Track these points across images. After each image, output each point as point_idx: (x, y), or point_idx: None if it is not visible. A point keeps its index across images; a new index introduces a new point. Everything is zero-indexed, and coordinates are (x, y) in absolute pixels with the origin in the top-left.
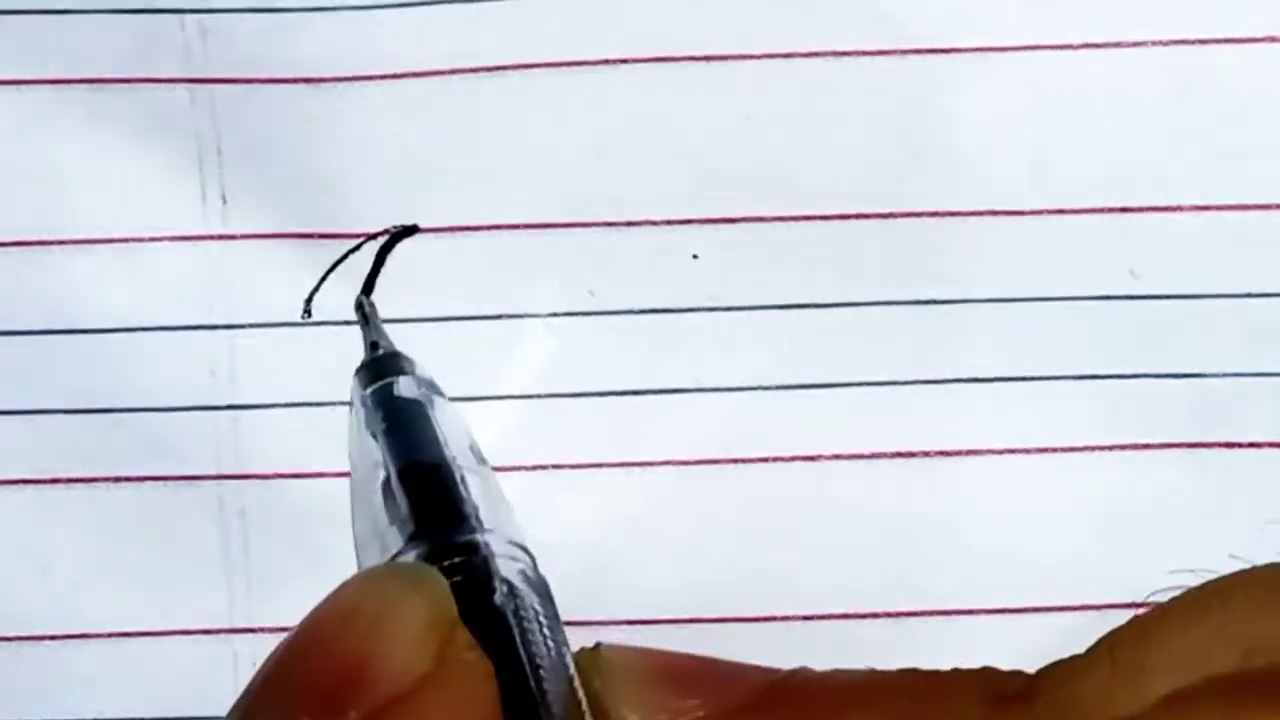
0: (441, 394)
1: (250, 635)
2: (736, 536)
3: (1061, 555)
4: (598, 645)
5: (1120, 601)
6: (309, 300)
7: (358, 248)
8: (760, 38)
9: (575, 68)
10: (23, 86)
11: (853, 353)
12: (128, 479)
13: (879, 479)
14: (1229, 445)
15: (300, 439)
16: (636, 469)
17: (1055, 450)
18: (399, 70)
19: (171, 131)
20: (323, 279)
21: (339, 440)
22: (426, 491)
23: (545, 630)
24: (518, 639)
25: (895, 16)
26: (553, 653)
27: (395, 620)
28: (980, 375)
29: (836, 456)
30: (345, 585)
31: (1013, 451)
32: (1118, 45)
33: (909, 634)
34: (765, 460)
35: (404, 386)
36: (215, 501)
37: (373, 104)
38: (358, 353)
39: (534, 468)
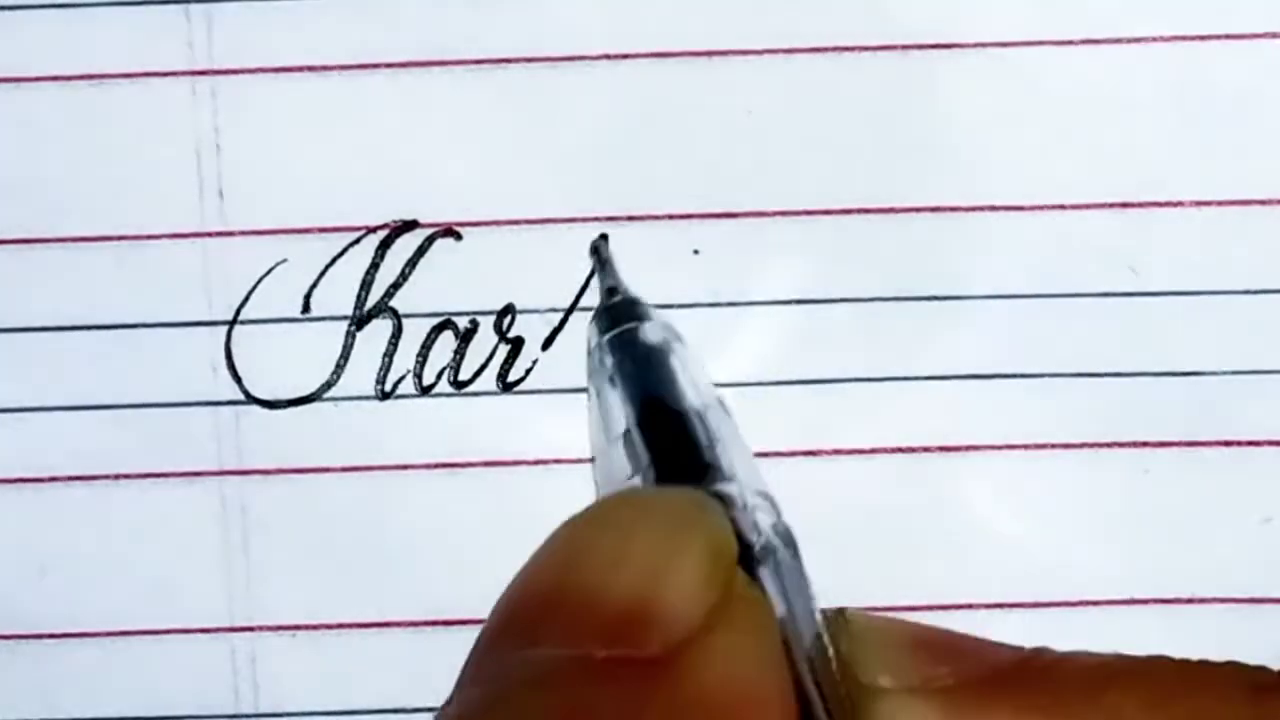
0: (683, 341)
1: (249, 634)
2: None
3: (1061, 552)
4: (843, 609)
5: (1120, 598)
6: (308, 295)
7: (356, 242)
8: (761, 34)
9: (577, 63)
10: (22, 84)
11: (852, 348)
12: (128, 477)
13: (879, 475)
14: (1228, 443)
15: (301, 436)
16: None
17: (1055, 447)
18: (402, 60)
19: (170, 128)
20: (321, 274)
21: (339, 436)
22: (671, 439)
23: (798, 585)
24: (776, 591)
25: (896, 12)
26: (803, 608)
27: (680, 553)
28: (980, 371)
29: (836, 452)
30: (609, 504)
31: (1013, 448)
32: (1118, 41)
33: None
34: (765, 455)
35: (648, 332)
36: (216, 499)
37: (374, 96)
38: (358, 350)
39: (535, 463)
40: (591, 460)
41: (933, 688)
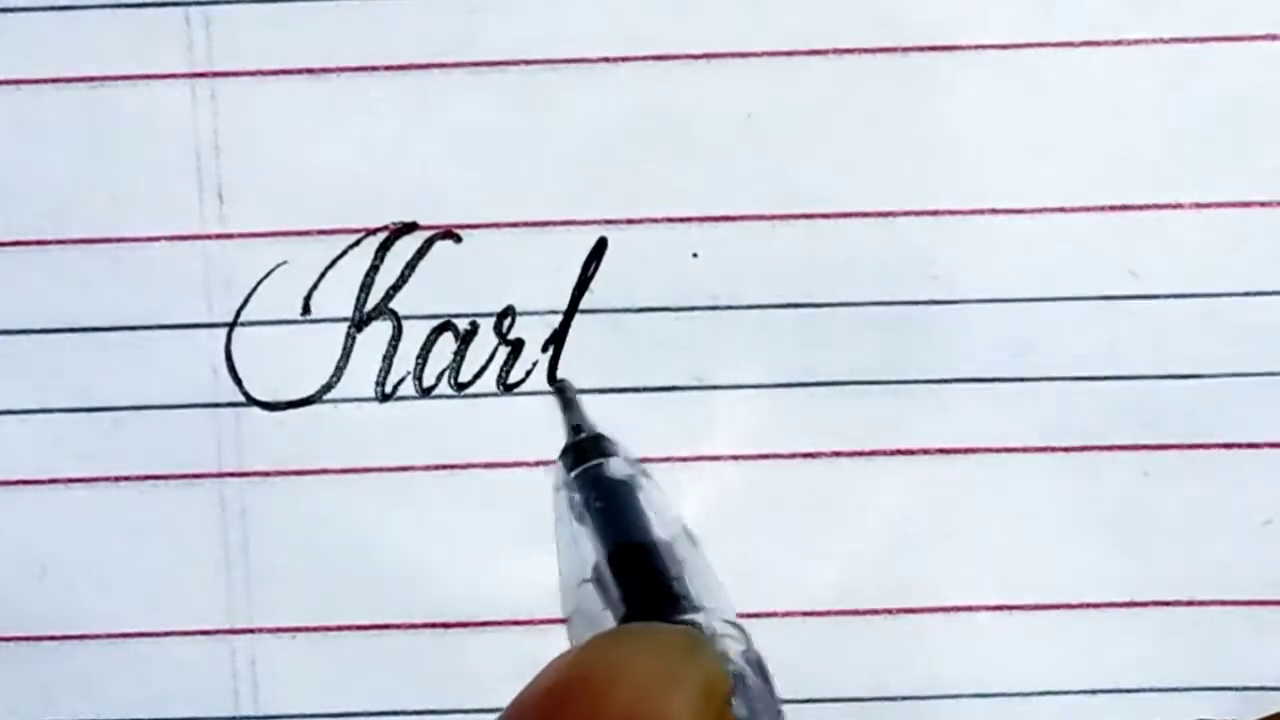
0: (648, 475)
1: (249, 635)
2: (735, 534)
3: (1061, 555)
4: None
5: (1120, 600)
6: (308, 297)
7: (356, 244)
8: (761, 36)
9: (577, 65)
10: (22, 86)
11: (852, 351)
12: (128, 479)
13: (879, 478)
14: (1229, 446)
15: (301, 438)
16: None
17: (1055, 450)
18: (401, 62)
19: (170, 130)
20: (321, 276)
21: (339, 438)
22: (641, 572)
23: (770, 711)
24: (747, 717)
25: (895, 15)
26: None
27: (678, 685)
28: (979, 375)
29: (836, 454)
30: (608, 638)
31: (1012, 450)
32: (1117, 43)
33: (909, 633)
34: (765, 458)
35: (613, 468)
36: (216, 501)
37: (374, 98)
38: (358, 352)
39: (536, 464)
40: (560, 593)
41: None
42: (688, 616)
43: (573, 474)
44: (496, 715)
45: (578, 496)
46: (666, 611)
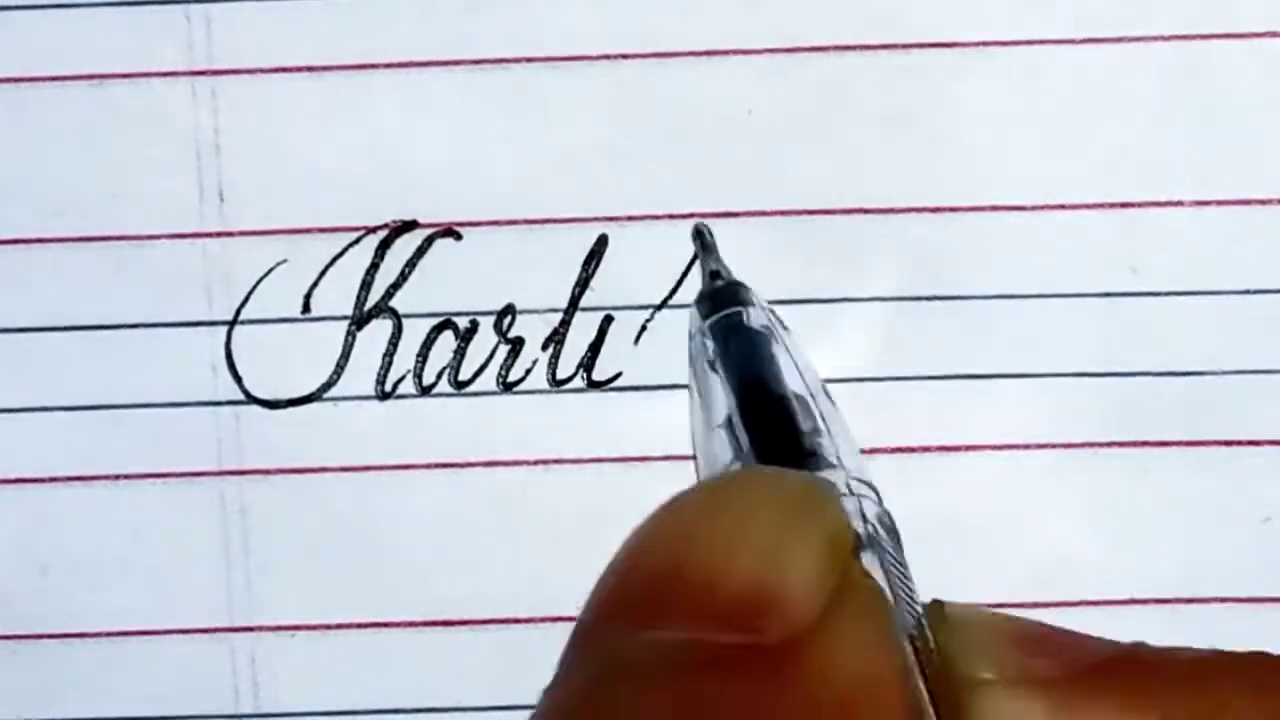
0: (786, 327)
1: (249, 634)
2: None
3: (1061, 553)
4: (940, 601)
5: (1120, 598)
6: (308, 296)
7: (356, 242)
8: (761, 33)
9: (577, 63)
10: (22, 84)
11: (852, 348)
12: (128, 478)
13: (878, 474)
14: (1229, 443)
15: (301, 436)
16: (638, 464)
17: (1055, 447)
18: (402, 60)
19: (170, 128)
20: (321, 274)
21: (339, 436)
22: (773, 424)
23: (900, 573)
24: (884, 580)
25: (896, 12)
26: (904, 597)
27: (799, 539)
28: (980, 371)
29: None
30: (725, 484)
31: (1013, 448)
32: (1118, 40)
33: None
34: None
35: (751, 317)
36: (216, 499)
37: (374, 96)
38: (358, 350)
39: (536, 462)
40: (691, 444)
41: (1035, 680)
42: (823, 473)
43: (708, 321)
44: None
45: (712, 344)
46: (799, 465)
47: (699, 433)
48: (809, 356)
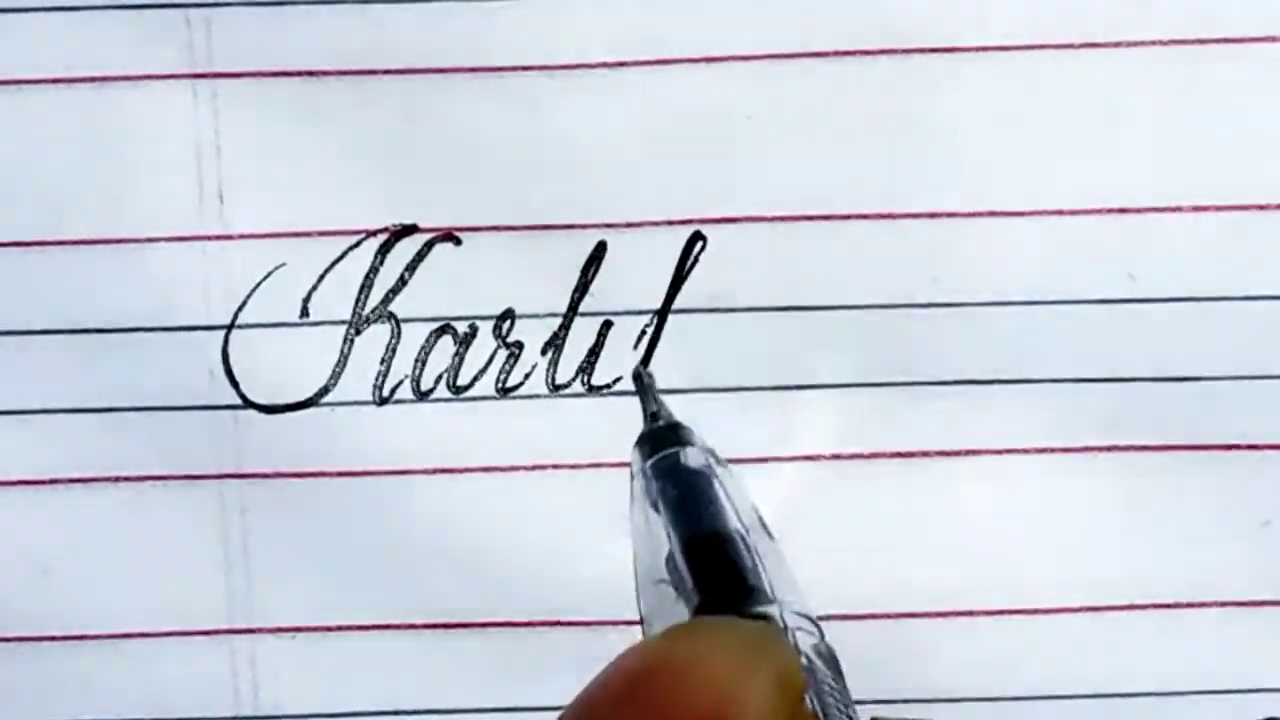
0: (724, 464)
1: (249, 636)
2: None
3: (1061, 556)
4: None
5: (1119, 603)
6: (307, 299)
7: (355, 246)
8: (760, 39)
9: (577, 70)
10: (23, 86)
11: (852, 353)
12: (128, 479)
13: (879, 479)
14: (1228, 447)
15: (300, 438)
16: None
17: (1054, 452)
18: (401, 65)
19: (170, 131)
20: (320, 278)
21: (337, 442)
22: (714, 563)
23: (841, 705)
24: (819, 710)
25: (895, 17)
26: None
27: (754, 677)
28: (979, 377)
29: (836, 456)
30: (682, 630)
31: (1011, 452)
32: (1116, 45)
33: (909, 634)
34: (765, 460)
35: (690, 457)
36: (216, 501)
37: (374, 100)
38: (356, 354)
39: (533, 468)
40: (635, 582)
41: None
42: (761, 608)
43: (648, 462)
44: (560, 713)
45: (654, 485)
46: (741, 603)
47: (642, 570)
48: (746, 492)
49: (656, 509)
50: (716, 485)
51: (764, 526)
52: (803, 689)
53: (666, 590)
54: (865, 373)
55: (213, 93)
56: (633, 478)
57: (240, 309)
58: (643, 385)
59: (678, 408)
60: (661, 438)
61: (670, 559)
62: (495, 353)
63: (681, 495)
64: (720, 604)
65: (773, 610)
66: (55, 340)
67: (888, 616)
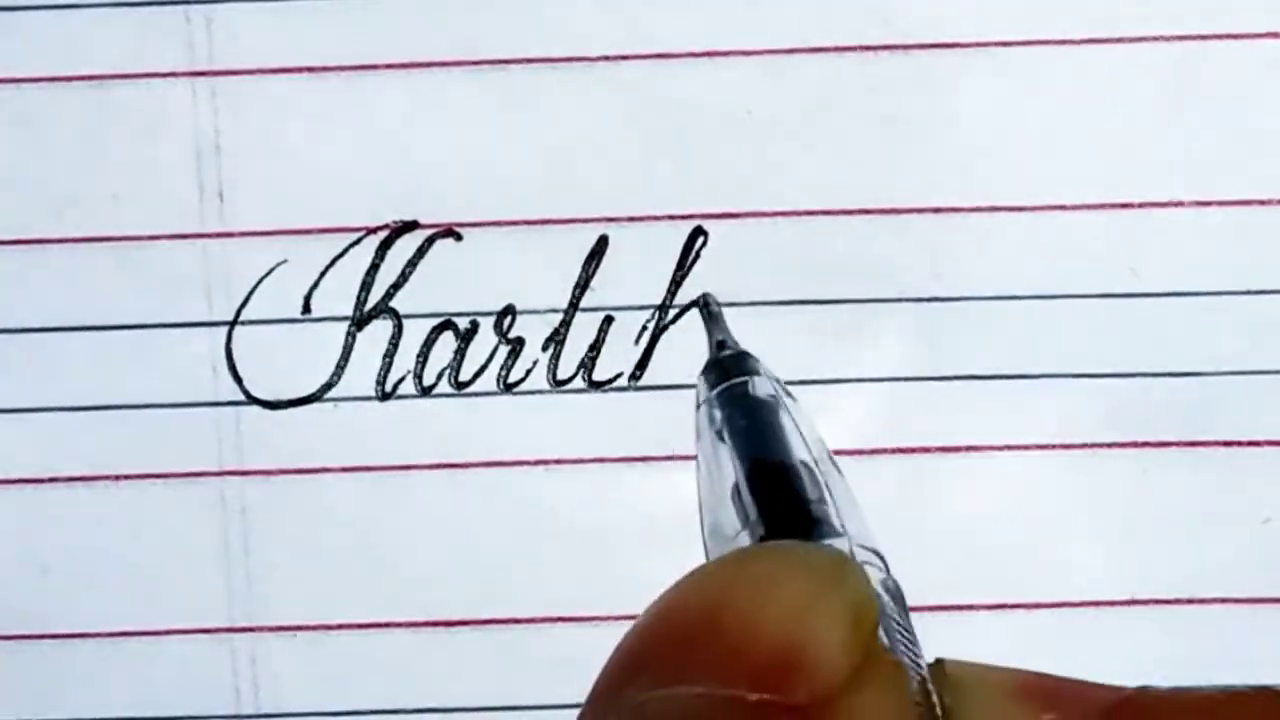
0: (792, 395)
1: (249, 634)
2: None
3: (1061, 553)
4: (941, 660)
5: (1119, 599)
6: (309, 296)
7: (356, 243)
8: (761, 34)
9: (578, 63)
10: (22, 84)
11: (853, 349)
12: (127, 478)
13: (878, 476)
14: (1229, 444)
15: (302, 437)
16: (638, 464)
17: (1055, 448)
18: (402, 60)
19: (170, 129)
20: (322, 275)
21: (340, 437)
22: (780, 494)
23: (907, 639)
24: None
25: (896, 12)
26: (911, 661)
27: (828, 607)
28: (980, 373)
29: (836, 452)
30: (755, 553)
31: (1012, 449)
32: (1118, 41)
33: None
34: None
35: (757, 386)
36: (217, 499)
37: (375, 96)
38: (358, 350)
39: (536, 463)
40: (699, 511)
41: None
42: (828, 541)
43: (715, 391)
44: (638, 619)
45: (719, 414)
46: (806, 534)
47: (707, 500)
48: (814, 424)
49: (722, 438)
50: (784, 416)
51: (832, 460)
52: (876, 623)
53: (732, 519)
54: (867, 369)
55: (212, 90)
56: (698, 407)
57: (242, 306)
58: (709, 313)
59: (679, 404)
60: (728, 366)
61: (735, 490)
62: (497, 348)
63: (749, 424)
64: (786, 535)
65: (841, 543)
66: (55, 339)
67: None
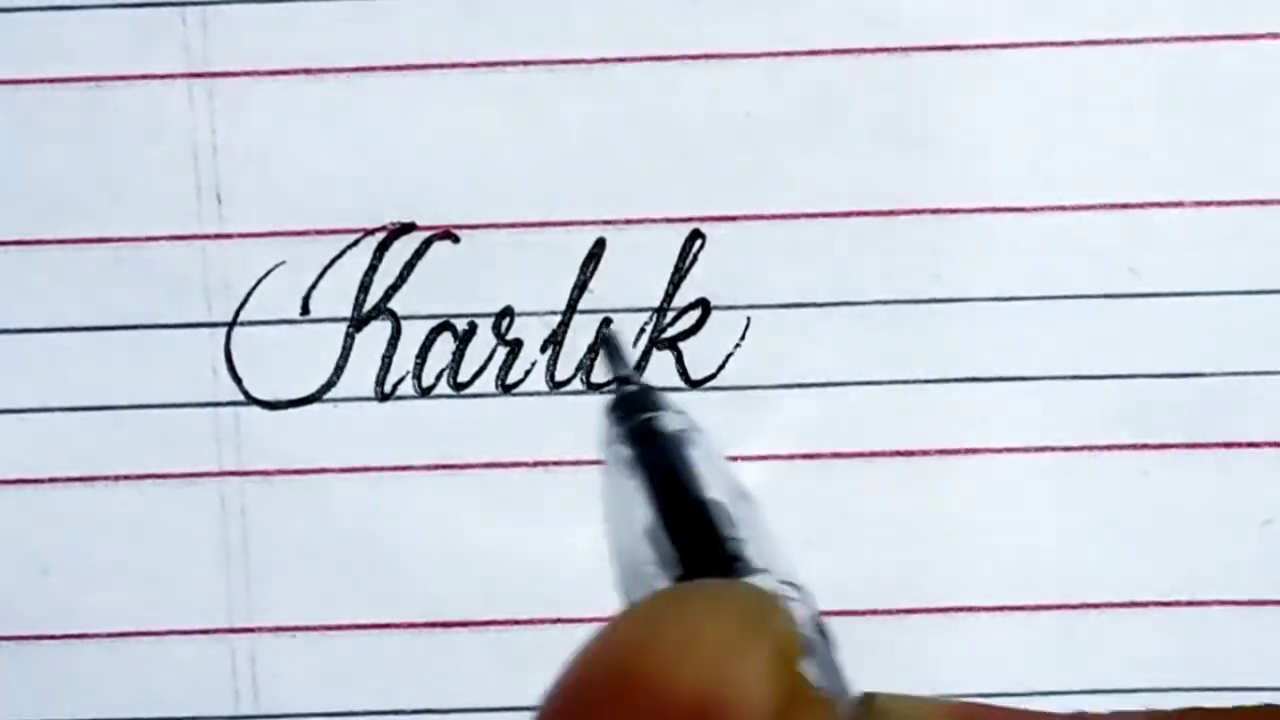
0: (700, 429)
1: (249, 635)
2: None
3: (1061, 554)
4: (872, 694)
5: (1120, 600)
6: (307, 297)
7: (355, 244)
8: (760, 36)
9: (575, 65)
10: (21, 86)
11: (851, 351)
12: (128, 478)
13: (879, 478)
14: (1228, 445)
15: (301, 437)
16: None
17: (1055, 449)
18: (399, 62)
19: (168, 130)
20: (320, 276)
21: (339, 437)
22: (696, 530)
23: (833, 672)
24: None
25: (895, 15)
26: (840, 697)
27: (751, 648)
28: (980, 374)
29: (836, 455)
30: (675, 595)
31: (1012, 450)
32: (1118, 42)
33: (909, 633)
34: (765, 458)
35: (665, 421)
36: (216, 500)
37: (372, 98)
38: (357, 351)
39: (535, 464)
40: (610, 554)
41: None
42: (747, 578)
43: (622, 427)
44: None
45: (627, 452)
46: (724, 572)
47: (619, 539)
48: (722, 456)
49: (632, 475)
50: (694, 451)
51: (745, 493)
52: (800, 657)
53: (646, 560)
54: (867, 370)
55: (208, 92)
56: (606, 444)
57: (241, 307)
58: (611, 347)
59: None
60: (635, 401)
61: (649, 528)
62: (495, 350)
63: (661, 460)
64: (703, 573)
65: (763, 580)
66: (55, 340)
67: (887, 613)
